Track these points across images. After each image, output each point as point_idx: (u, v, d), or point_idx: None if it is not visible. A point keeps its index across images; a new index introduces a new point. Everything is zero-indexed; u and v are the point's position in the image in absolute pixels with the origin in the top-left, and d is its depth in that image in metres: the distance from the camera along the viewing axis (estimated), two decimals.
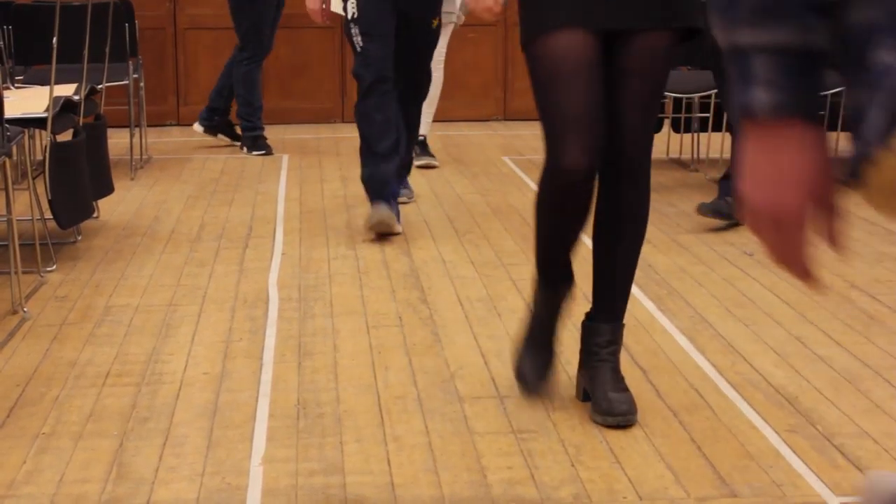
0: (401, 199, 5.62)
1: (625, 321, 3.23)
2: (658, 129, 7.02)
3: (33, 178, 4.91)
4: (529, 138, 8.09)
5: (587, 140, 2.90)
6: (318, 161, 7.21)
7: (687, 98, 6.65)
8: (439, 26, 5.38)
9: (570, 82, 2.88)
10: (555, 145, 2.92)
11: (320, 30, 8.65)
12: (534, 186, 6.37)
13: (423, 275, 4.58)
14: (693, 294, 4.28)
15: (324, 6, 5.23)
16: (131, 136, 6.80)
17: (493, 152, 7.55)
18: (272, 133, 7.72)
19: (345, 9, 5.16)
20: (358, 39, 5.11)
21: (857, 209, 5.72)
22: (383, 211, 5.13)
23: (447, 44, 6.94)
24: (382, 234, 5.16)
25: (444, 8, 6.14)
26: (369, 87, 5.10)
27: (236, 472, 2.85)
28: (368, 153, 5.21)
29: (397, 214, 5.29)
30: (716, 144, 6.71)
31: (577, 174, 2.91)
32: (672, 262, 4.73)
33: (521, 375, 3.17)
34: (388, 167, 5.20)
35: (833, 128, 6.72)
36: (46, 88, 4.73)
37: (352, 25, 5.13)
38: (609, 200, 3.12)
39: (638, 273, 4.57)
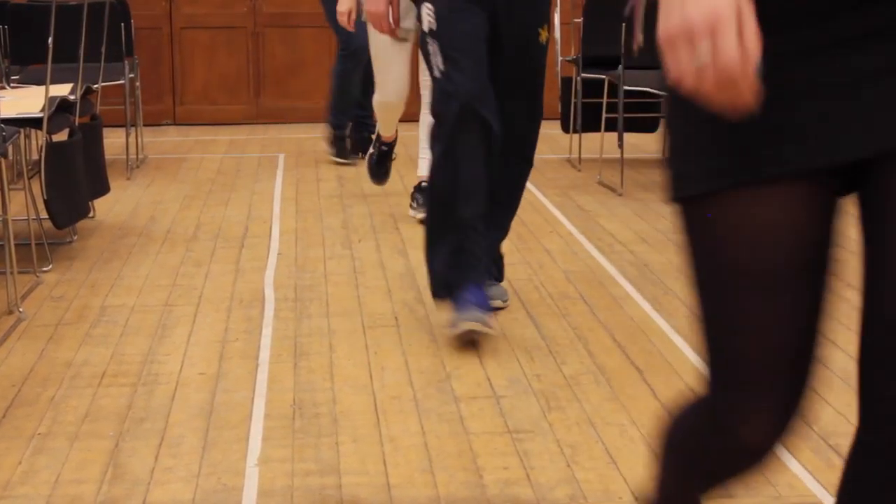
0: (494, 304, 4.02)
1: (620, 320, 3.04)
2: (654, 128, 7.03)
3: (29, 178, 4.91)
4: None
5: (787, 399, 1.64)
6: (314, 160, 7.20)
7: None
8: (548, 41, 3.93)
9: (773, 293, 1.58)
10: (729, 394, 1.66)
11: (316, 29, 8.64)
12: (530, 186, 6.38)
13: (419, 275, 4.57)
14: (689, 294, 4.28)
15: (391, 10, 3.96)
16: (127, 135, 6.80)
17: None
18: (268, 132, 7.72)
19: (419, 17, 3.81)
20: (438, 61, 3.72)
21: (852, 208, 5.73)
22: (474, 313, 3.67)
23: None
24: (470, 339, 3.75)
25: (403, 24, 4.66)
26: (455, 125, 3.67)
27: (232, 472, 2.85)
28: (446, 220, 3.80)
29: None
30: None
31: (759, 452, 1.67)
32: (668, 261, 4.73)
33: None
34: (475, 241, 3.79)
35: None
36: (42, 88, 4.72)
37: (429, 40, 3.76)
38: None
39: (634, 272, 4.60)
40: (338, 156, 7.09)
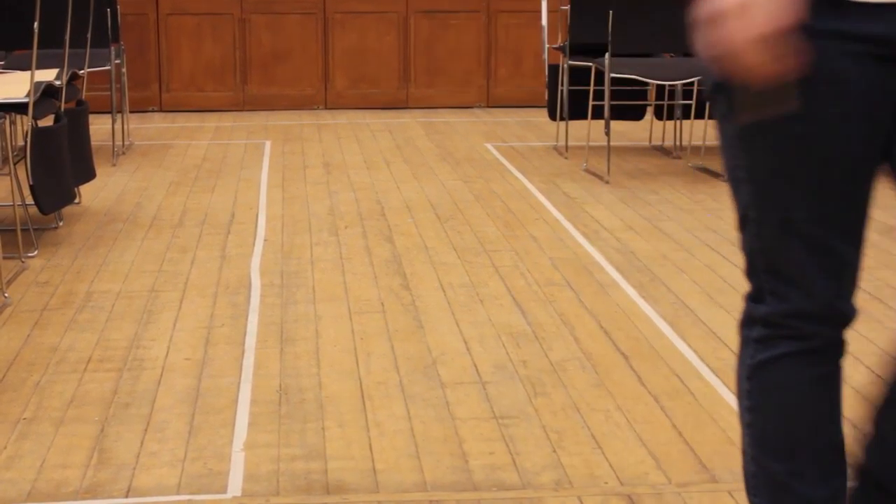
0: None
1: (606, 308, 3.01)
2: (641, 116, 7.04)
3: (14, 164, 4.89)
4: (512, 125, 8.09)
5: None
6: (300, 147, 7.19)
7: (670, 85, 6.66)
8: None
9: None
10: None
11: (302, 16, 8.64)
12: (517, 173, 6.39)
13: (405, 261, 4.58)
14: (675, 280, 4.29)
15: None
16: (113, 121, 6.78)
17: (475, 139, 7.55)
18: (255, 119, 7.70)
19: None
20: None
21: None
22: None
23: None
24: None
25: None
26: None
27: (218, 457, 2.85)
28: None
29: None
30: (698, 132, 6.72)
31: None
32: (654, 249, 4.74)
33: None
34: None
35: None
36: (28, 73, 4.71)
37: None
38: None
39: (620, 259, 4.61)
40: None
